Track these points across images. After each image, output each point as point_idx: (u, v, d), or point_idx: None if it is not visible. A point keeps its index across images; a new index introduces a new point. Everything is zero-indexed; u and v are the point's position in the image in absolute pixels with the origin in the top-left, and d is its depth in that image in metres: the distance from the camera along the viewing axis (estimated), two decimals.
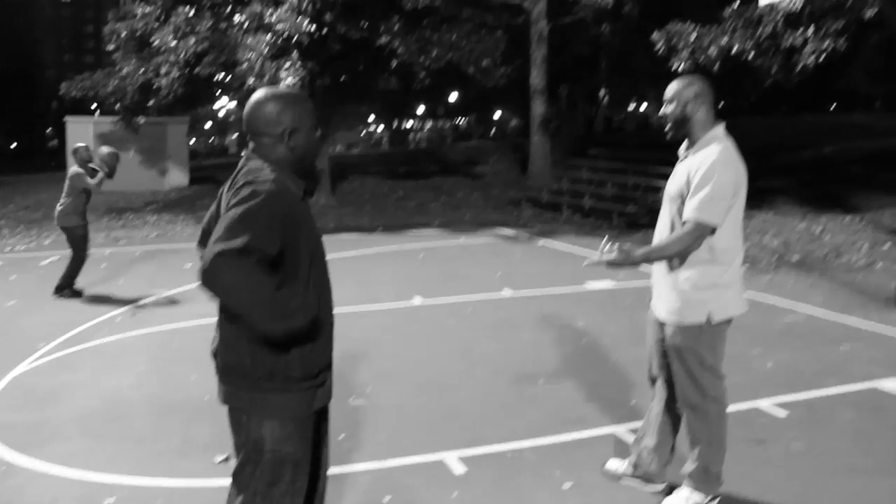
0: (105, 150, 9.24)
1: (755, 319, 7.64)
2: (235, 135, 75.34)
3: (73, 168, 9.20)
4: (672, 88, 3.70)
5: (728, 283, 3.60)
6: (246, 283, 2.37)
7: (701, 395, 3.68)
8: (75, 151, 9.31)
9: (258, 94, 2.73)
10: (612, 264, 3.56)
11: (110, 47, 18.64)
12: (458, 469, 4.32)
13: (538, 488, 4.08)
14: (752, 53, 12.71)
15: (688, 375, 3.67)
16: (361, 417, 5.16)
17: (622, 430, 4.82)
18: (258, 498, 2.72)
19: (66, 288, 9.17)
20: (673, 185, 3.69)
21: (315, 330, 2.66)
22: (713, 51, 12.76)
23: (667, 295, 3.67)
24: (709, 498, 3.76)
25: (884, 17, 11.08)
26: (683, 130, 3.69)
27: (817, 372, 5.98)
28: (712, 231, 3.52)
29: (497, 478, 4.20)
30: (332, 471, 4.28)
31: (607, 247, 3.57)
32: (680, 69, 13.31)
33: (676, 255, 3.56)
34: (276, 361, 2.63)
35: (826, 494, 3.98)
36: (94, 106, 24.00)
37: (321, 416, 2.91)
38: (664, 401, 3.96)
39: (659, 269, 3.75)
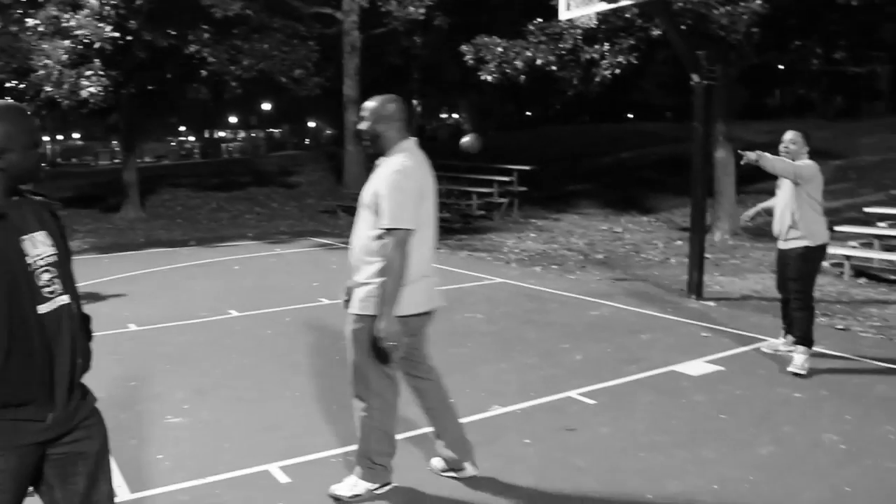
0: None
1: (564, 316, 8.07)
2: None
3: None
4: (367, 107, 3.95)
5: (408, 280, 3.79)
6: None
7: (365, 387, 3.89)
8: None
9: None
10: (382, 337, 3.72)
11: None
12: (282, 478, 4.28)
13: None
14: (555, 66, 13.39)
15: (356, 365, 3.90)
16: (179, 435, 4.99)
17: None
18: None
19: None
20: (365, 195, 3.89)
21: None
22: (519, 63, 13.33)
23: (357, 288, 3.87)
24: (376, 486, 3.99)
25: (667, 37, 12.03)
26: (378, 145, 3.94)
27: (621, 361, 6.39)
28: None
29: (323, 483, 4.18)
30: (149, 492, 4.16)
31: None
32: (489, 79, 13.83)
33: (398, 271, 3.70)
34: None
35: (631, 471, 4.27)
36: None
37: (70, 442, 2.65)
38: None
39: (355, 264, 3.93)
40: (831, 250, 10.24)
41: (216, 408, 5.50)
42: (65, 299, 2.60)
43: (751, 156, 6.02)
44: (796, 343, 6.15)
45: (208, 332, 7.74)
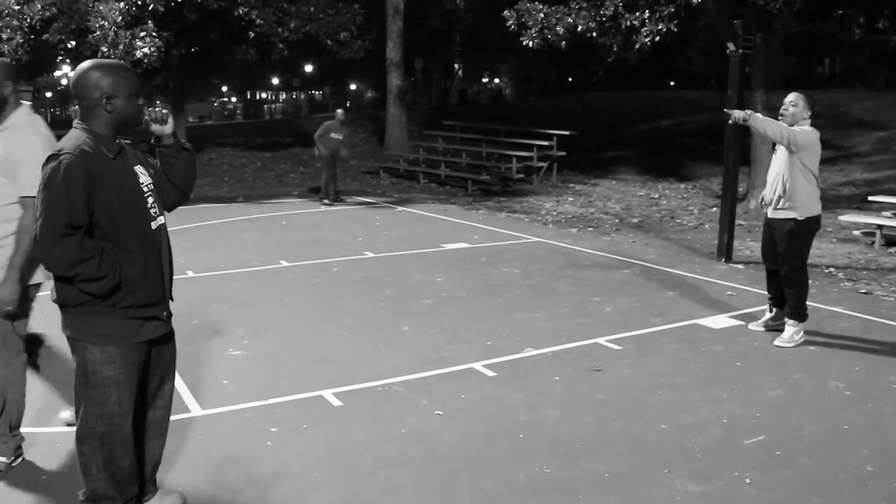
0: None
1: (596, 273, 8.48)
2: (78, 106, 71.52)
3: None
4: None
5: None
6: (72, 259, 2.89)
7: (8, 355, 3.88)
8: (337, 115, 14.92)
9: (83, 64, 3.13)
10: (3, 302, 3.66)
11: None
12: (335, 402, 4.80)
13: (408, 414, 4.61)
14: (596, 32, 13.62)
15: None
16: (241, 365, 5.53)
17: (479, 366, 5.43)
18: (90, 415, 3.13)
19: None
20: None
21: (129, 277, 3.04)
22: (560, 29, 13.58)
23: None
24: (10, 459, 3.90)
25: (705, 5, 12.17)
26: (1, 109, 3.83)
27: (647, 314, 6.80)
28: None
29: (371, 407, 4.71)
30: (219, 410, 4.70)
31: None
32: (531, 45, 14.11)
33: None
34: (93, 297, 3.02)
35: (649, 405, 4.71)
36: None
37: (157, 347, 3.28)
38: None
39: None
40: (865, 219, 10.50)
41: (273, 343, 6.03)
42: (163, 219, 3.28)
43: (738, 114, 5.75)
44: (788, 316, 5.95)
45: (261, 279, 8.29)
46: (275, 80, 62.69)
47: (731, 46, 9.14)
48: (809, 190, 5.82)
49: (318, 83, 61.51)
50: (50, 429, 4.43)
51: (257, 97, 66.69)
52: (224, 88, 62.67)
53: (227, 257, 9.40)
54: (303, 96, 65.78)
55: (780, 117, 5.87)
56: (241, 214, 13.23)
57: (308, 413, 4.64)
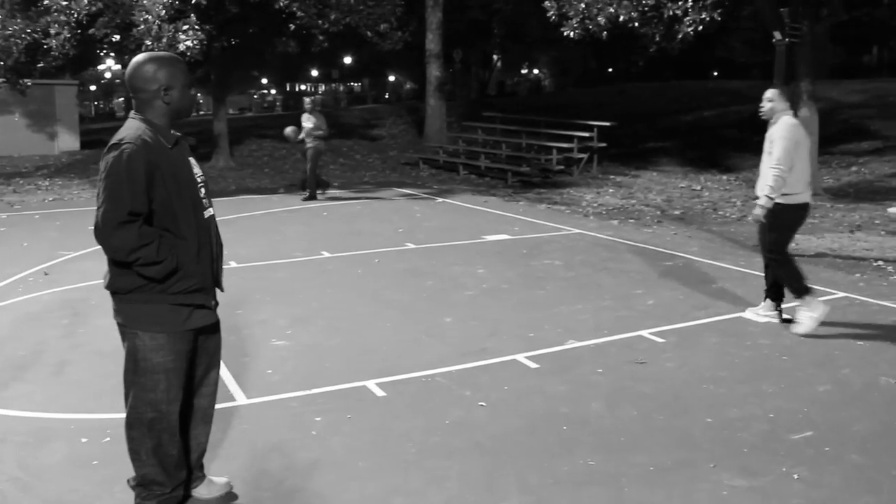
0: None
1: (638, 265, 8.41)
2: (121, 98, 72.58)
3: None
4: None
5: None
6: (132, 245, 2.95)
7: None
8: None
9: (137, 57, 3.19)
10: None
11: None
12: (379, 392, 4.82)
13: (451, 405, 4.62)
14: (637, 22, 13.46)
15: None
16: (285, 355, 5.58)
17: (521, 357, 5.42)
18: (138, 401, 3.19)
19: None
20: None
21: (185, 263, 3.10)
22: (601, 19, 13.45)
23: None
24: None
25: None
26: None
27: (691, 306, 6.73)
28: None
29: (414, 399, 4.73)
30: (264, 399, 4.76)
31: None
32: (572, 35, 14.00)
33: None
34: (149, 281, 3.07)
35: (693, 399, 4.67)
36: None
37: (203, 336, 3.33)
38: None
39: None
40: None
41: (316, 334, 6.08)
42: (212, 210, 3.34)
43: (758, 213, 5.85)
44: (796, 299, 5.94)
45: (303, 270, 8.36)
46: (314, 72, 63.02)
47: (778, 35, 9.01)
48: (797, 176, 5.85)
49: (356, 75, 61.68)
50: (99, 415, 4.51)
51: (296, 89, 67.07)
52: (264, 81, 63.14)
53: (269, 248, 9.48)
54: (341, 88, 66.03)
55: (760, 113, 6.07)
56: (282, 206, 13.34)
57: (352, 403, 4.67)
